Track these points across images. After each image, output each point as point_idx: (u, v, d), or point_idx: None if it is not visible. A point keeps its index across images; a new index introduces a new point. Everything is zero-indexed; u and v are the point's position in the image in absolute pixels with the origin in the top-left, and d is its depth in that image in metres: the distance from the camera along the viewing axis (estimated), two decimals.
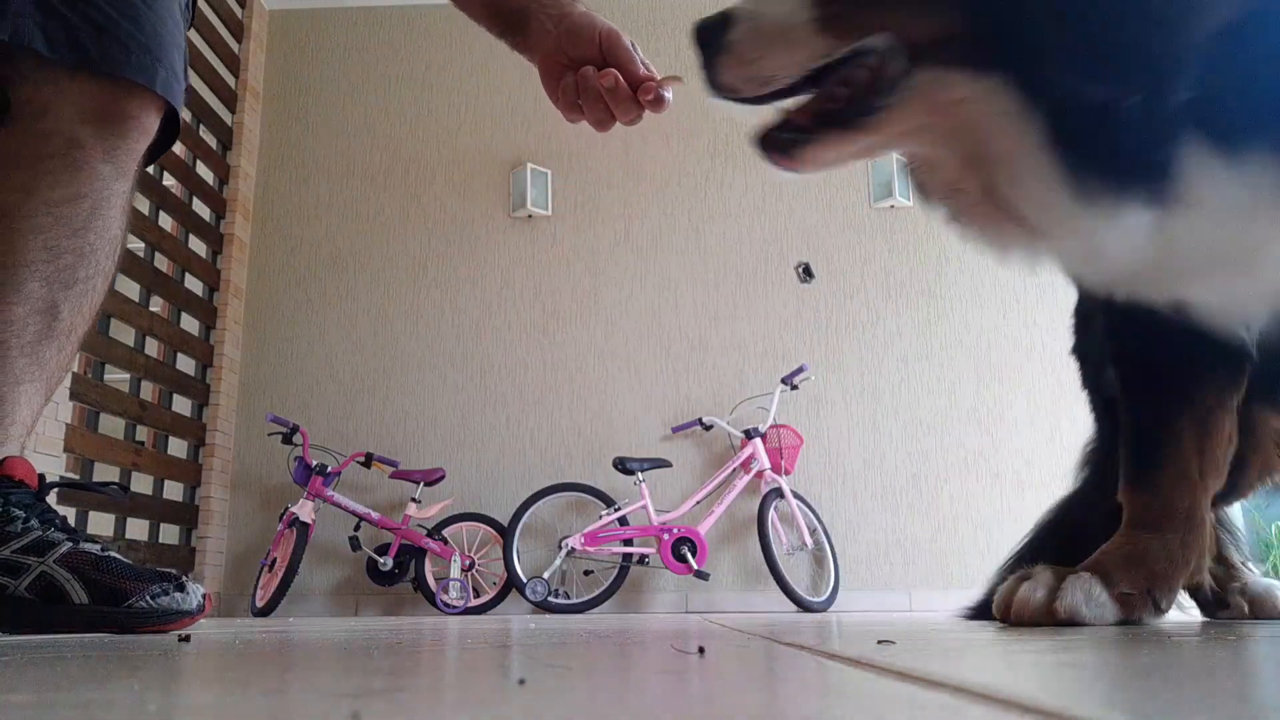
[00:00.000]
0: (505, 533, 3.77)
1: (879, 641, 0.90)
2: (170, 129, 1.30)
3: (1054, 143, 0.88)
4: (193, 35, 4.10)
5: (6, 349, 1.12)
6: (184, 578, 1.20)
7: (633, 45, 1.12)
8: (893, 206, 4.37)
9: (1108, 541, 1.30)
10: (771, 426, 3.94)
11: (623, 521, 3.79)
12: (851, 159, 1.01)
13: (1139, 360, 1.33)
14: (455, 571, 3.73)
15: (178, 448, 3.97)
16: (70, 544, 1.12)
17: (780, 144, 0.98)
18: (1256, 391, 1.20)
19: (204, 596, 1.22)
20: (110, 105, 1.17)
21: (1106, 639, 0.95)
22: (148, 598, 1.13)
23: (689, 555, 3.69)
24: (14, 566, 1.08)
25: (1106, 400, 1.40)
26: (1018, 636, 1.03)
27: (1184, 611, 1.39)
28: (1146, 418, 1.31)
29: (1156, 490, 1.27)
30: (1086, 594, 1.18)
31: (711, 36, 0.96)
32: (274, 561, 3.64)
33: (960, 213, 1.01)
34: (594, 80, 1.09)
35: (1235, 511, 4.30)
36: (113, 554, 1.16)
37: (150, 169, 3.81)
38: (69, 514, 3.19)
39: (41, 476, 1.20)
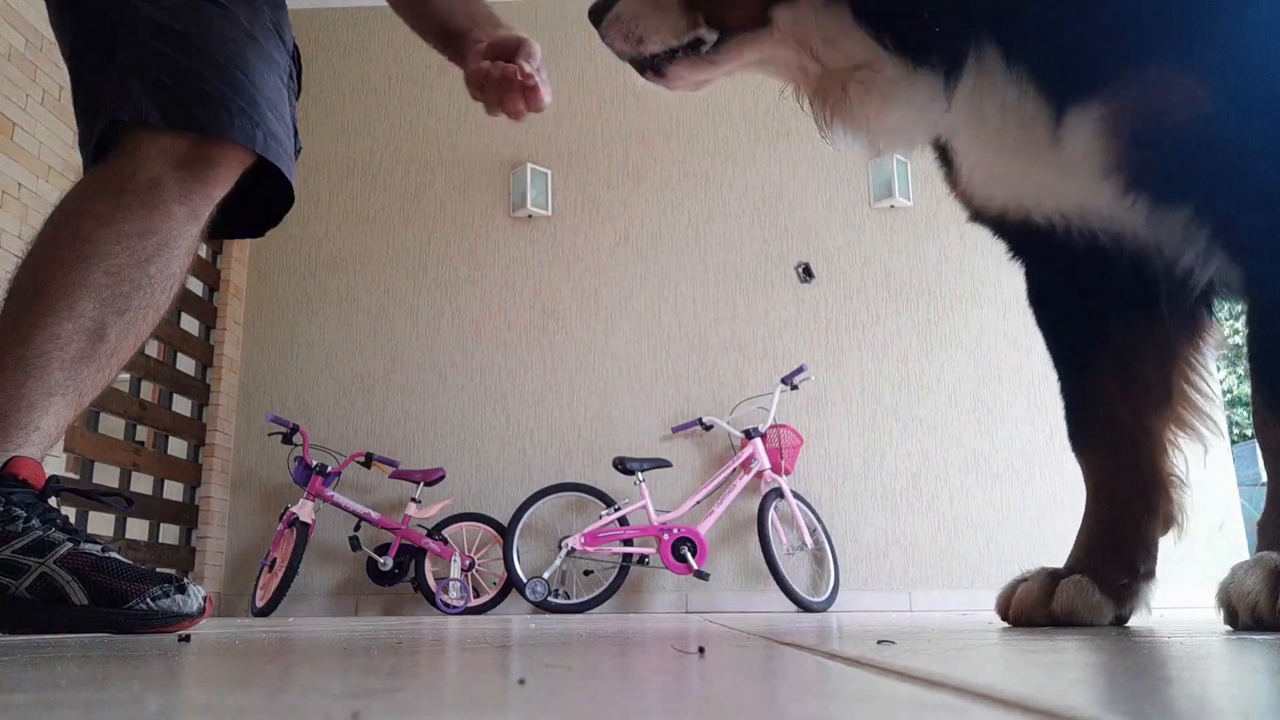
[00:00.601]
0: (505, 533, 3.77)
1: (879, 641, 0.90)
2: (283, 195, 1.41)
3: (874, 36, 1.10)
4: None
5: (48, 360, 1.17)
6: (185, 579, 1.22)
7: (539, 57, 1.39)
8: (893, 206, 4.37)
9: (1081, 527, 1.30)
10: (771, 426, 3.94)
11: (623, 521, 3.79)
12: (712, 79, 1.28)
13: (1049, 297, 1.36)
14: (455, 571, 3.73)
15: (178, 448, 3.97)
16: (71, 545, 1.13)
17: (653, 66, 1.25)
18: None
19: (205, 599, 1.23)
20: (196, 152, 1.28)
21: (1103, 638, 0.95)
22: (148, 599, 1.14)
23: (689, 555, 3.69)
24: (14, 567, 1.09)
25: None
26: (1017, 636, 1.03)
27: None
28: (1069, 366, 1.33)
29: (1099, 447, 1.30)
30: (1081, 594, 1.20)
31: (601, 12, 1.25)
32: (274, 561, 3.64)
33: (834, 115, 1.19)
34: (498, 70, 1.35)
35: (1233, 508, 4.28)
36: (113, 555, 1.17)
37: None
38: (69, 514, 3.19)
39: (52, 478, 1.20)
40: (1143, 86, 1.00)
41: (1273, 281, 1.01)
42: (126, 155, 1.25)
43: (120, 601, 1.12)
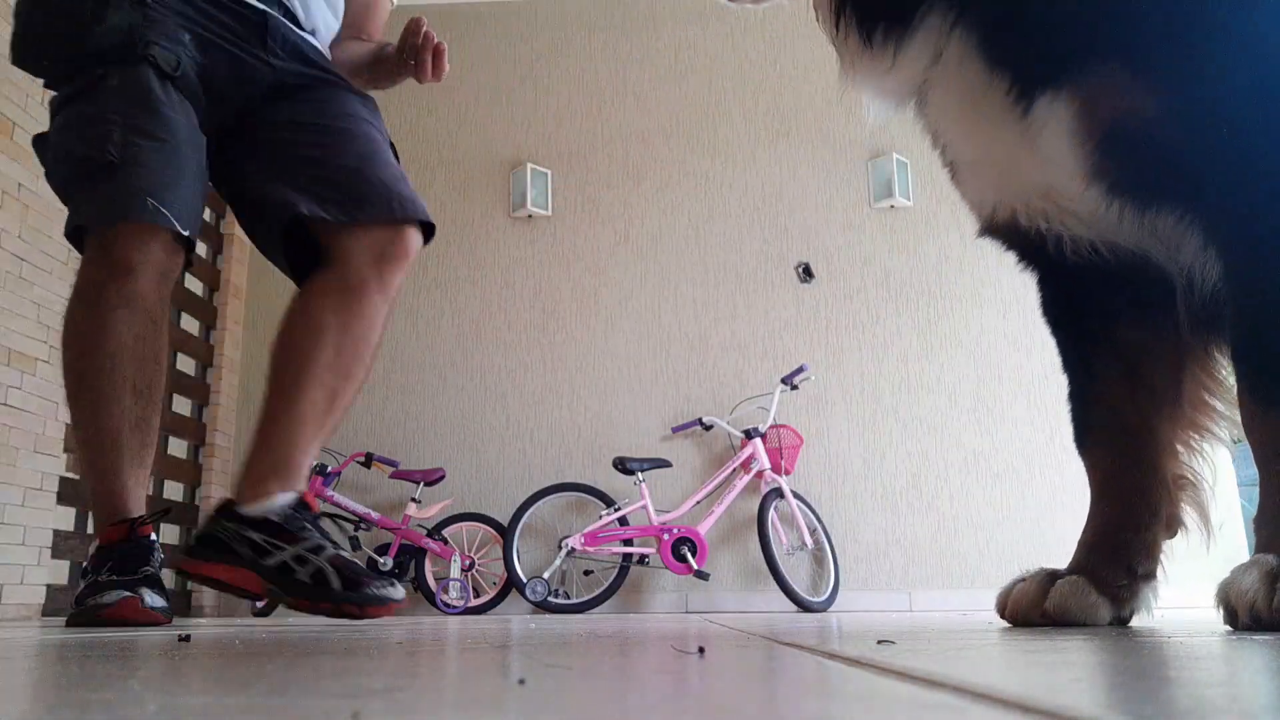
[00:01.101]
0: (505, 533, 3.77)
1: (879, 641, 0.90)
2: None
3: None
4: None
5: (303, 418, 1.57)
6: (393, 579, 1.72)
7: (424, 22, 1.70)
8: (893, 206, 4.37)
9: (1084, 528, 1.30)
10: (771, 426, 3.94)
11: (623, 521, 3.79)
12: None
13: (1060, 305, 1.35)
14: (455, 571, 3.73)
15: (178, 448, 3.97)
16: (333, 549, 1.55)
17: None
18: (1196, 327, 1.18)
19: (404, 595, 1.68)
20: (389, 246, 1.65)
21: (1103, 639, 0.95)
22: (374, 588, 1.53)
23: (689, 555, 3.69)
24: (302, 559, 1.51)
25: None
26: (1017, 637, 1.03)
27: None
28: (1078, 369, 1.32)
29: (1102, 447, 1.28)
30: (1075, 595, 1.21)
31: None
32: None
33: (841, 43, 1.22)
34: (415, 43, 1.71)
35: (1233, 508, 4.28)
36: (354, 560, 1.60)
37: None
38: (69, 513, 3.19)
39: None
40: (1106, 81, 1.00)
41: (1252, 273, 0.99)
42: (339, 260, 1.64)
43: (360, 588, 1.51)
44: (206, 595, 3.93)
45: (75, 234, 1.55)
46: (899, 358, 4.21)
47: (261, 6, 1.67)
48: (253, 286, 4.42)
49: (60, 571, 3.15)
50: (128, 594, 1.48)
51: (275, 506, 1.52)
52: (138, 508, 1.55)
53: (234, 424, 4.22)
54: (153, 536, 1.60)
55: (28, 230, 2.92)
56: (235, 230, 4.32)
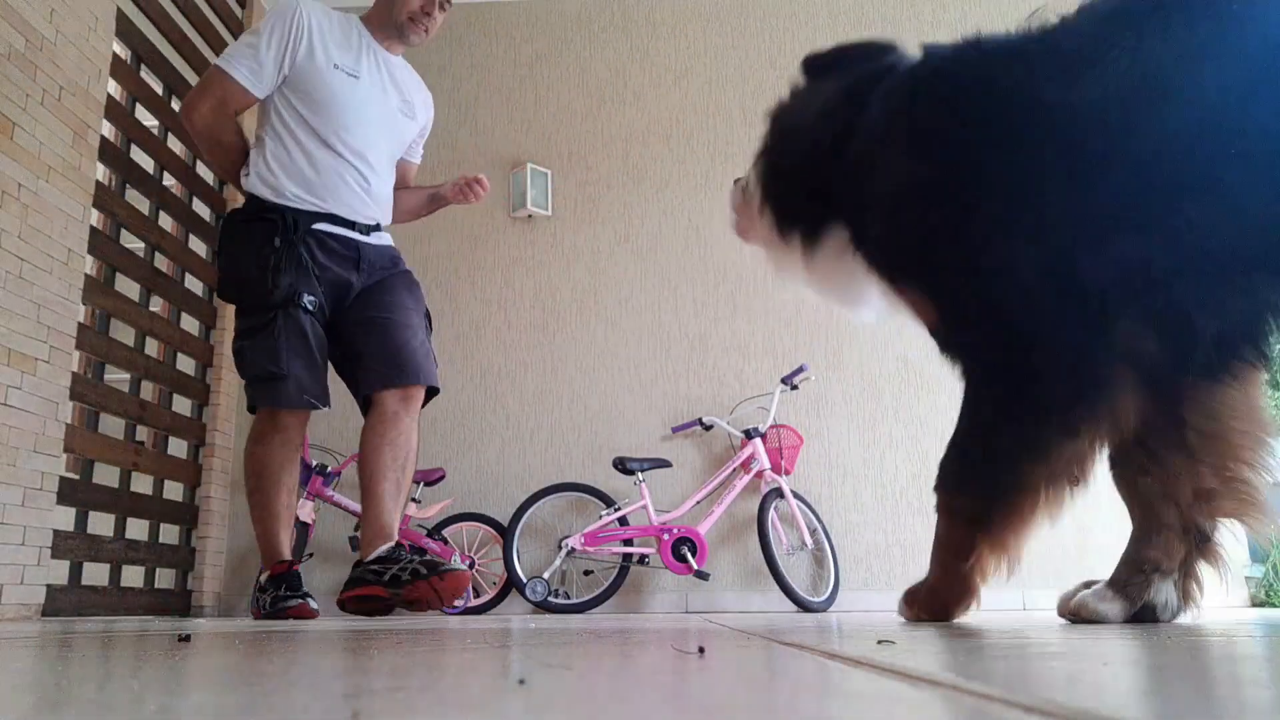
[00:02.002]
0: (505, 533, 3.77)
1: (879, 641, 0.90)
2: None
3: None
4: (192, 35, 4.10)
5: (382, 500, 2.45)
6: (453, 560, 2.86)
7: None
8: None
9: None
10: (771, 426, 3.93)
11: (623, 521, 3.79)
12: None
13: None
14: None
15: (178, 448, 3.97)
16: (417, 561, 2.33)
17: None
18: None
19: (464, 566, 2.61)
20: (409, 396, 2.52)
21: (1102, 638, 0.95)
22: (445, 567, 2.33)
23: (689, 555, 3.69)
24: (400, 570, 2.31)
25: None
26: (1016, 637, 1.04)
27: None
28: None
29: (1118, 480, 1.58)
30: (1097, 598, 1.50)
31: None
32: None
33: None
34: (461, 181, 2.74)
35: None
36: (431, 558, 2.37)
37: (150, 169, 3.81)
38: (69, 513, 3.19)
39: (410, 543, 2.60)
40: (919, 292, 1.60)
41: (976, 381, 1.59)
42: (381, 404, 2.49)
43: (437, 568, 2.31)
44: (206, 595, 3.93)
45: (253, 408, 2.48)
46: (899, 358, 4.21)
47: (357, 239, 2.53)
48: None
49: (60, 571, 3.15)
50: (300, 600, 2.48)
51: (380, 552, 2.38)
52: (289, 553, 2.56)
53: (233, 424, 4.22)
54: (298, 569, 2.55)
55: (28, 230, 2.92)
56: None
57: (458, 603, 3.66)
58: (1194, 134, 1.27)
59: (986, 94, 1.43)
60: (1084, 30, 1.37)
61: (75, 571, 3.24)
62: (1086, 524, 3.63)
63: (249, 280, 2.39)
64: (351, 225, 2.52)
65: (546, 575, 3.69)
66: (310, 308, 2.42)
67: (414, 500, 3.82)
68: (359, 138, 2.49)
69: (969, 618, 1.73)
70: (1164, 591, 1.44)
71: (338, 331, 2.54)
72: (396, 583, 2.29)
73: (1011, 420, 1.48)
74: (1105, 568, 1.61)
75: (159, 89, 3.89)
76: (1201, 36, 1.28)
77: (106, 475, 3.43)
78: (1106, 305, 1.37)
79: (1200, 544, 1.47)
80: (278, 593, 2.49)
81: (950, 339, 1.58)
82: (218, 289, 2.56)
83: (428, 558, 2.37)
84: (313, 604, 2.51)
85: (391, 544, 2.40)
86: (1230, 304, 1.34)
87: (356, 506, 3.78)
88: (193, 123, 2.46)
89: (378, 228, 2.62)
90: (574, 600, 3.76)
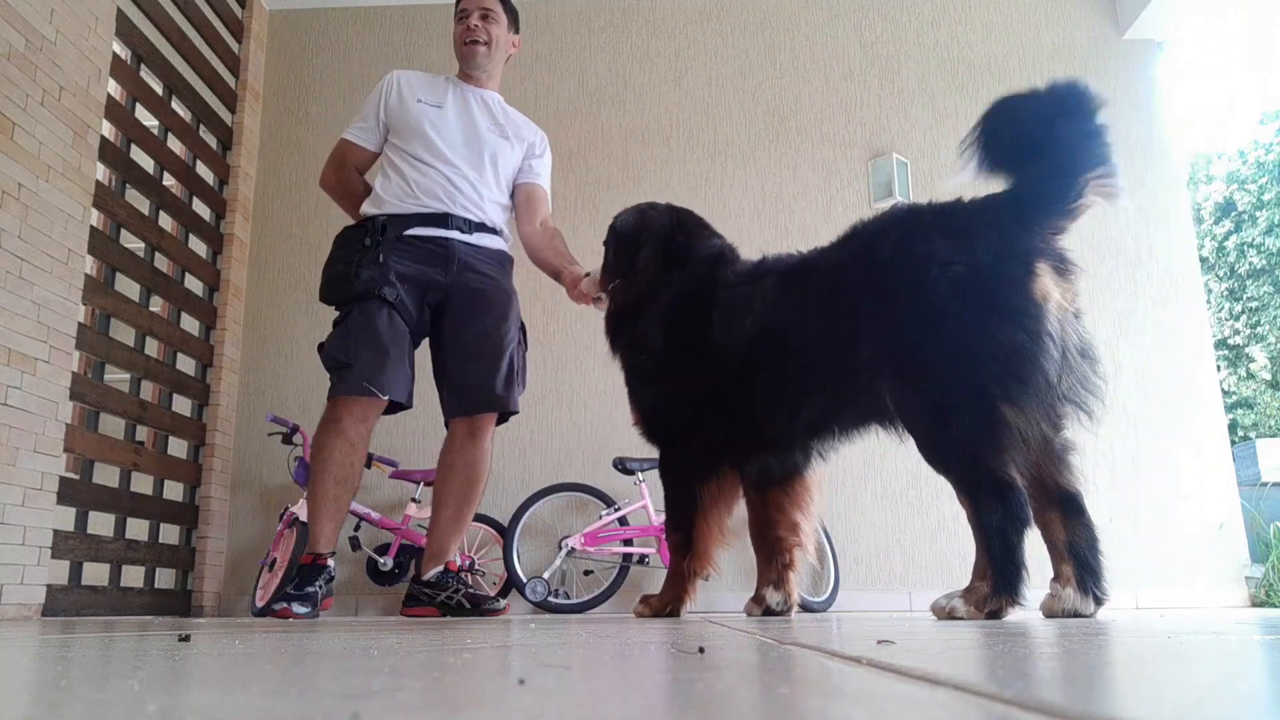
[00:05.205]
0: (505, 533, 3.77)
1: (879, 641, 0.90)
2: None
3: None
4: (193, 36, 4.10)
5: (444, 527, 2.81)
6: (498, 597, 3.10)
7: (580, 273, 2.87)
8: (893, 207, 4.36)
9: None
10: None
11: (623, 521, 3.79)
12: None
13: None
14: None
15: (178, 448, 3.97)
16: (466, 589, 2.75)
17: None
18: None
19: (505, 604, 2.87)
20: (479, 423, 2.83)
21: (1096, 639, 0.95)
22: (489, 604, 2.73)
23: None
24: (450, 596, 2.71)
25: None
26: (1015, 637, 1.03)
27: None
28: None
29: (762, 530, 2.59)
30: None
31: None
32: (274, 561, 3.64)
33: None
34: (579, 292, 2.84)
35: (1234, 508, 4.26)
36: (476, 592, 2.78)
37: (150, 169, 3.81)
38: (69, 513, 3.19)
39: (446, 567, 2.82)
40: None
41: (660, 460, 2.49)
42: (456, 431, 2.85)
43: (479, 605, 2.71)
44: (206, 595, 3.93)
45: (333, 397, 2.65)
46: None
47: (445, 236, 2.72)
48: (253, 287, 4.42)
49: (60, 571, 3.15)
50: (284, 604, 2.57)
51: (434, 574, 2.77)
52: (327, 546, 2.64)
53: (233, 424, 4.22)
54: (330, 563, 2.65)
55: (28, 230, 2.92)
56: (235, 230, 4.32)
57: None
58: (771, 347, 2.17)
59: (713, 304, 2.31)
60: (780, 273, 2.24)
61: (75, 571, 3.24)
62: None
63: (335, 277, 2.68)
64: (445, 223, 2.74)
65: (546, 575, 3.68)
66: (389, 298, 2.63)
67: (414, 500, 3.82)
68: (447, 147, 2.79)
69: (963, 620, 1.73)
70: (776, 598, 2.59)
71: (435, 349, 2.85)
72: (446, 609, 2.71)
73: (672, 484, 2.42)
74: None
75: (159, 89, 3.89)
76: (792, 293, 2.17)
77: (106, 475, 3.43)
78: (717, 434, 2.32)
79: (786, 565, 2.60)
80: (287, 587, 2.66)
81: (643, 431, 2.46)
82: (320, 292, 2.80)
83: (472, 591, 2.75)
84: (297, 608, 2.56)
85: (440, 569, 2.77)
86: (784, 438, 2.30)
87: (357, 507, 3.78)
88: (323, 182, 2.93)
89: (482, 227, 2.81)
90: (574, 600, 3.76)
